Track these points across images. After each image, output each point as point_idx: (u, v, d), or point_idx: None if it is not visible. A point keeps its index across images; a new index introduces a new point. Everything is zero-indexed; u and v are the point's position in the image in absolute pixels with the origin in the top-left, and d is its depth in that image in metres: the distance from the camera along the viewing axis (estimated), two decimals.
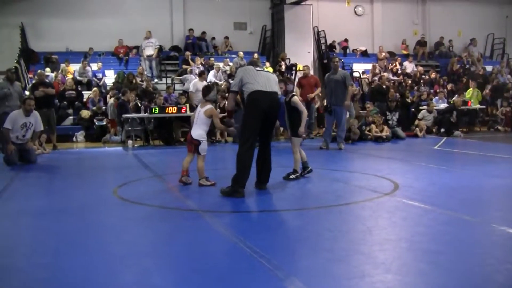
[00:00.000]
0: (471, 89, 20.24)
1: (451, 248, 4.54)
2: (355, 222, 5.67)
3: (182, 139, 15.22)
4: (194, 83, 16.34)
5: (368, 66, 23.08)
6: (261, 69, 7.47)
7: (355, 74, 22.00)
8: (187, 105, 15.08)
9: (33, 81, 15.75)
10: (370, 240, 4.83)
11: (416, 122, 16.77)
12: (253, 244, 4.60)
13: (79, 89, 18.49)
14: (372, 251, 4.48)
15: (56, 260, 4.40)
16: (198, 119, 7.89)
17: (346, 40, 24.62)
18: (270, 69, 20.31)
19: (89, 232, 5.35)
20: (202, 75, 16.80)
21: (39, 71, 15.89)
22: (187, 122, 15.41)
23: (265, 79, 7.18)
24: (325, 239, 4.91)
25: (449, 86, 21.33)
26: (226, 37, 22.96)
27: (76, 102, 17.61)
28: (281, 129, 16.69)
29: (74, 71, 19.44)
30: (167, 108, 14.72)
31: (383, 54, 23.77)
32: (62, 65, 19.20)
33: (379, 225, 5.41)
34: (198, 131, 7.81)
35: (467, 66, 24.12)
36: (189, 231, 5.28)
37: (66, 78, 18.30)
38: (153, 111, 14.48)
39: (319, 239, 4.90)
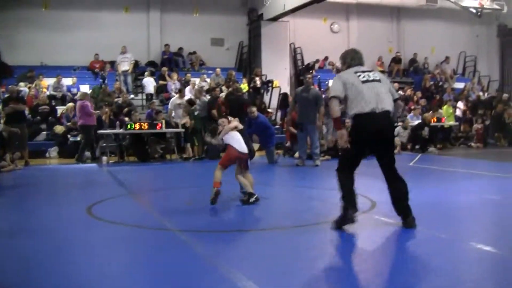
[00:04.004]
0: (446, 106, 20.46)
1: (429, 266, 4.53)
2: (333, 241, 5.63)
3: (156, 156, 15.10)
4: (173, 100, 16.27)
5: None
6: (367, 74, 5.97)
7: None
8: (163, 121, 14.98)
9: (5, 95, 15.50)
10: (348, 259, 4.80)
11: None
12: (230, 265, 4.54)
13: (53, 104, 18.24)
14: (350, 270, 4.45)
15: (24, 283, 4.28)
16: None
17: (326, 58, 24.69)
18: (246, 86, 20.36)
19: (60, 253, 5.23)
20: (180, 92, 16.70)
21: (10, 86, 15.65)
22: (163, 138, 15.36)
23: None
24: (303, 259, 4.87)
25: (422, 102, 21.51)
26: (194, 52, 22.89)
27: (50, 117, 17.35)
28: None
29: (48, 85, 19.19)
30: (139, 124, 14.60)
31: None
32: (36, 80, 18.93)
33: (357, 244, 5.39)
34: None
35: (440, 83, 24.44)
36: (165, 251, 5.20)
37: (40, 93, 18.04)
38: (128, 127, 14.36)
39: (297, 259, 4.85)
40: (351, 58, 6.17)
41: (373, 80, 5.83)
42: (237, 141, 7.70)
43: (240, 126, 7.91)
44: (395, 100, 6.04)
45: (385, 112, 5.75)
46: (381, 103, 5.73)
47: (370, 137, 5.85)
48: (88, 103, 14.95)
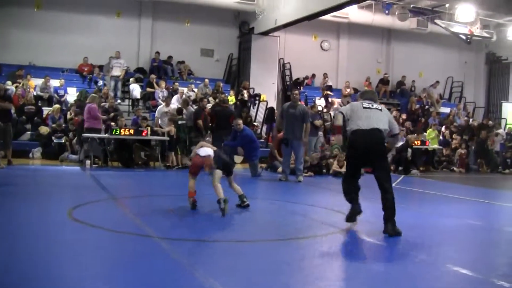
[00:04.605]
0: (430, 129, 20.65)
1: (404, 287, 4.57)
2: (312, 256, 5.66)
3: (140, 163, 15.07)
4: (160, 108, 16.27)
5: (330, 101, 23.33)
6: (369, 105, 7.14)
7: (318, 108, 22.17)
8: (149, 128, 14.97)
9: None
10: (326, 275, 4.82)
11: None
12: (209, 274, 4.55)
13: (39, 104, 18.15)
14: (328, 287, 4.48)
15: (1, 286, 4.25)
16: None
17: (313, 76, 24.81)
18: (233, 98, 20.41)
19: (40, 255, 5.21)
20: (167, 100, 16.69)
21: None
22: (148, 145, 15.34)
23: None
24: (282, 272, 4.89)
25: (407, 124, 21.68)
26: (183, 62, 22.94)
27: (36, 118, 17.25)
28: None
29: (36, 85, 19.09)
30: (124, 130, 14.57)
31: (348, 90, 24.09)
32: (24, 79, 18.81)
33: (336, 260, 5.43)
34: None
35: (426, 106, 24.67)
36: (145, 258, 5.20)
37: (27, 93, 17.94)
38: (114, 132, 14.33)
39: (276, 272, 4.87)
40: (364, 94, 7.71)
41: (375, 109, 7.08)
42: (201, 149, 8.07)
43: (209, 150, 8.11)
44: (394, 135, 7.36)
45: (373, 129, 6.83)
46: (371, 123, 6.85)
47: (360, 151, 6.93)
48: (96, 106, 15.04)
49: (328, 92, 23.67)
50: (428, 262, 5.57)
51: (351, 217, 7.16)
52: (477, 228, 8.07)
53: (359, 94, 7.92)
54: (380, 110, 7.15)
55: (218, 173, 7.95)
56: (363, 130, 6.84)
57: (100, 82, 20.08)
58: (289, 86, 23.45)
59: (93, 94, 16.27)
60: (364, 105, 7.10)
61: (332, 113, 21.34)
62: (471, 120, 24.10)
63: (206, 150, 8.05)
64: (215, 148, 8.29)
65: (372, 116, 6.95)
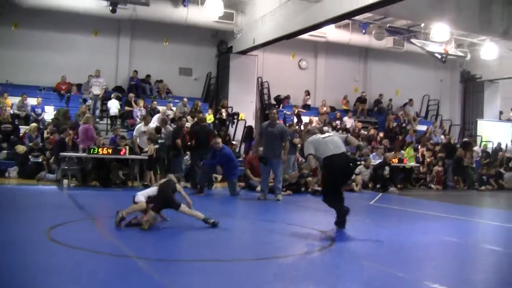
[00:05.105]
0: (408, 147, 20.86)
1: None
2: (292, 275, 5.67)
3: (118, 182, 14.98)
4: (138, 128, 16.20)
5: (308, 120, 23.42)
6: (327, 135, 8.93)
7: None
8: (127, 147, 14.89)
9: None
10: None
11: (353, 177, 17.04)
12: None
13: (16, 123, 18.00)
14: None
15: None
16: None
17: (288, 97, 24.84)
18: (211, 117, 20.43)
19: (16, 275, 5.16)
20: (145, 119, 16.63)
21: None
22: (126, 164, 15.26)
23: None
24: None
25: (384, 142, 21.84)
26: (161, 81, 22.97)
27: (12, 136, 17.10)
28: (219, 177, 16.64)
29: (12, 104, 18.93)
30: (102, 149, 14.43)
31: (325, 108, 24.24)
32: (0, 98, 18.66)
33: (316, 279, 5.43)
34: None
35: (403, 124, 24.91)
36: (124, 279, 5.17)
37: (3, 111, 17.78)
38: (92, 151, 14.23)
39: None
40: (310, 130, 9.80)
41: (331, 136, 8.86)
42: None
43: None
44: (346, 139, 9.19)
45: (343, 153, 8.64)
46: (338, 148, 8.59)
47: (340, 171, 8.55)
48: (92, 127, 15.23)
49: (300, 110, 23.78)
50: (407, 279, 5.61)
51: (343, 218, 8.56)
52: (454, 244, 8.16)
53: (306, 131, 10.00)
54: (332, 135, 8.96)
55: (151, 214, 7.96)
56: (336, 154, 8.49)
57: (89, 101, 19.99)
58: (268, 105, 23.53)
59: (88, 115, 16.41)
60: (322, 136, 8.78)
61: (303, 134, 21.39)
62: (451, 139, 24.24)
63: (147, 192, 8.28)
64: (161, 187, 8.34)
65: (334, 142, 8.64)
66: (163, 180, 8.58)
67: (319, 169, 8.68)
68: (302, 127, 21.12)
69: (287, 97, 24.52)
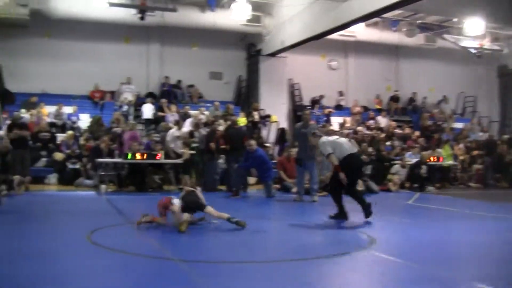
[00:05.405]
0: (446, 145, 20.52)
1: None
2: (333, 276, 5.63)
3: (154, 186, 15.09)
4: (171, 133, 16.26)
5: (342, 120, 23.35)
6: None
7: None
8: (162, 152, 14.96)
9: (9, 122, 15.57)
10: None
11: (390, 176, 16.89)
12: None
13: (53, 131, 18.31)
14: None
15: None
16: None
17: (322, 96, 24.80)
18: (244, 120, 20.45)
19: (61, 278, 5.21)
20: (178, 124, 16.73)
21: (15, 113, 15.85)
22: (161, 169, 15.36)
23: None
24: None
25: (420, 141, 21.53)
26: (192, 85, 23.06)
27: (50, 144, 17.40)
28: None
29: (49, 113, 19.28)
30: (138, 154, 14.48)
31: (357, 108, 24.08)
32: (37, 107, 19.03)
33: (356, 279, 5.39)
34: None
35: (439, 122, 24.53)
36: (165, 281, 5.18)
37: (41, 120, 18.12)
38: (127, 157, 14.34)
39: None
40: (319, 135, 9.96)
41: (339, 138, 9.81)
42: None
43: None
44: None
45: (356, 153, 9.69)
46: (352, 149, 9.50)
47: (358, 168, 9.85)
48: (137, 133, 15.85)
49: (331, 110, 23.68)
50: (452, 279, 5.51)
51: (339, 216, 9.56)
52: (498, 244, 7.94)
53: (313, 134, 10.32)
54: (340, 138, 9.97)
55: (186, 215, 8.12)
56: (355, 153, 9.52)
57: (125, 107, 20.20)
58: (299, 106, 23.46)
59: (132, 122, 16.68)
60: (334, 138, 9.71)
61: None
62: (486, 134, 23.75)
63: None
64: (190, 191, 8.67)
65: (347, 143, 9.54)
66: (187, 190, 8.78)
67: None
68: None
69: (322, 97, 24.39)
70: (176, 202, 8.29)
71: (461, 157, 20.33)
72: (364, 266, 5.96)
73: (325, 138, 9.59)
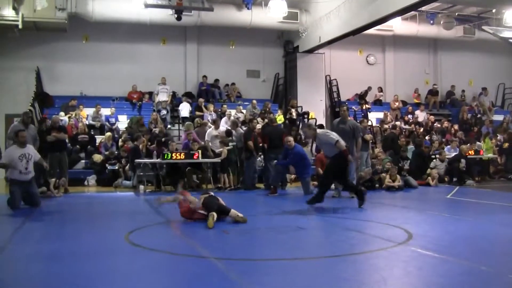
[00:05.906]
0: (486, 138, 20.15)
1: None
2: (370, 271, 5.59)
3: (193, 185, 15.20)
4: (209, 132, 16.34)
5: (381, 115, 23.16)
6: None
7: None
8: (199, 151, 15.04)
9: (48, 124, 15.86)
10: None
11: (428, 171, 16.67)
12: None
13: (92, 133, 18.60)
14: None
15: None
16: None
17: (381, 89, 24.75)
18: (281, 117, 20.43)
19: (101, 278, 5.30)
20: (215, 123, 16.81)
21: (54, 116, 16.07)
22: (199, 168, 15.45)
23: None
24: None
25: (459, 134, 21.18)
26: (233, 84, 23.15)
27: (89, 146, 17.67)
28: (293, 177, 16.69)
29: (88, 115, 19.59)
30: (175, 154, 14.60)
31: (397, 103, 23.85)
32: (76, 110, 19.35)
33: (394, 275, 5.33)
34: None
35: (478, 115, 24.11)
36: (203, 279, 5.22)
37: (79, 123, 18.42)
38: (165, 157, 14.46)
39: None
40: (314, 128, 11.59)
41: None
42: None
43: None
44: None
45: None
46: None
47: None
48: (194, 133, 16.48)
49: (367, 106, 23.50)
50: (490, 273, 5.42)
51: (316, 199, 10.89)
52: None
53: (308, 126, 12.19)
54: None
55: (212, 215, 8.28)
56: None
57: (163, 112, 20.39)
58: (337, 102, 23.32)
59: (188, 123, 17.36)
60: (328, 132, 11.36)
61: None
62: None
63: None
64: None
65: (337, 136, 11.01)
66: (205, 196, 8.97)
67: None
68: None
69: (369, 89, 24.28)
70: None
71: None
72: (401, 262, 5.89)
73: (323, 130, 10.42)
